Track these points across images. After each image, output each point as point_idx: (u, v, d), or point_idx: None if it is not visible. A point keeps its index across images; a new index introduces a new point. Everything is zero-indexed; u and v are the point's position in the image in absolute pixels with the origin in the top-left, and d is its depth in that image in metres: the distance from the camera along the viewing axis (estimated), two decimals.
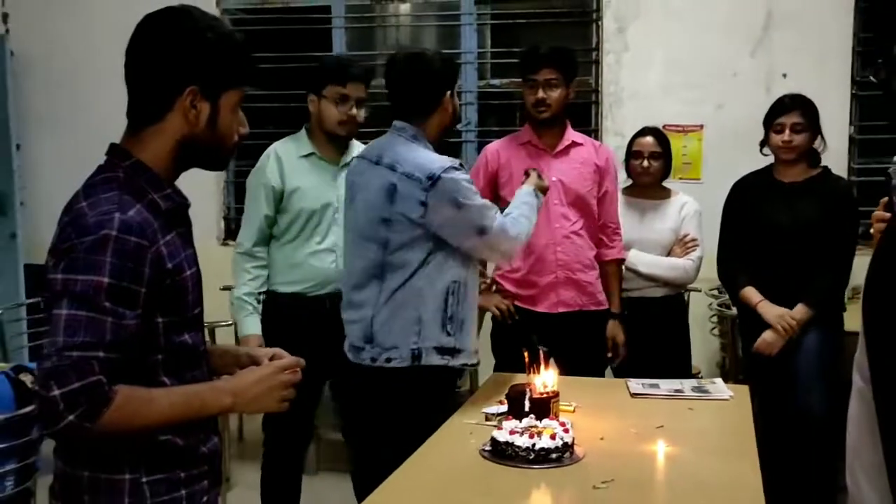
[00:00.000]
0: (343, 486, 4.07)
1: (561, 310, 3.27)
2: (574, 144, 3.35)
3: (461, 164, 2.60)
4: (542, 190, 2.83)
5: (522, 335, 2.91)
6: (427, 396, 2.60)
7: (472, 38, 5.04)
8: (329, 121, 3.03)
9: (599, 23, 4.78)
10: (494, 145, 3.42)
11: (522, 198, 2.76)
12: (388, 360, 2.58)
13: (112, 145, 1.56)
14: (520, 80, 3.35)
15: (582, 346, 3.27)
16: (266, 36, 5.05)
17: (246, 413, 1.58)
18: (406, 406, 2.59)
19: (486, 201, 2.63)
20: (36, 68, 5.12)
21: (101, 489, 1.49)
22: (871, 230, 2.03)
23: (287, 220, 3.06)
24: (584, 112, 4.97)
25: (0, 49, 4.96)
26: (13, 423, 2.41)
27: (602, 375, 3.46)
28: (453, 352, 2.60)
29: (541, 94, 3.22)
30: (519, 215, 2.69)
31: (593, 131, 4.86)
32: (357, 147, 3.12)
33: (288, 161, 3.04)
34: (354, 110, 3.02)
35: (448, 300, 2.58)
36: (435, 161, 2.53)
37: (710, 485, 1.99)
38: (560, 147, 3.32)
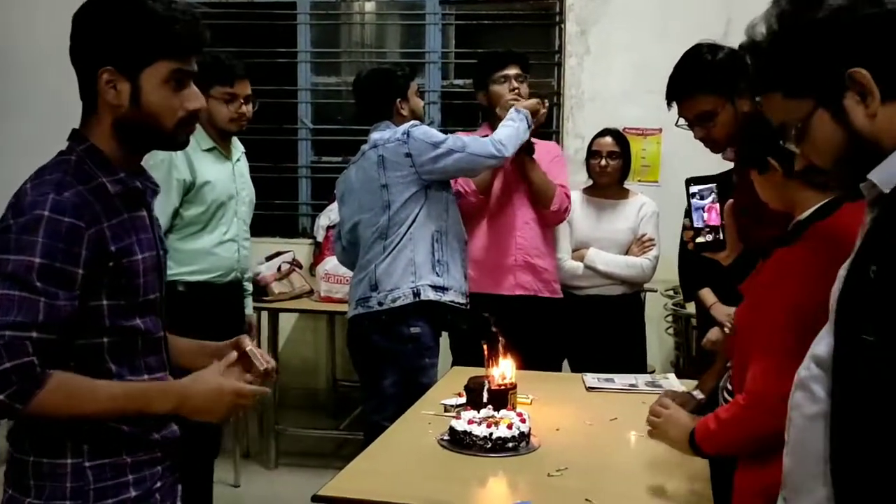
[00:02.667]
0: (300, 479, 4.10)
1: (518, 292, 3.44)
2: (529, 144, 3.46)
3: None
4: (533, 113, 3.20)
5: (479, 329, 2.98)
6: (424, 345, 3.04)
7: (437, 38, 5.08)
8: (220, 120, 3.08)
9: (562, 26, 4.85)
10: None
11: (508, 116, 3.18)
12: (394, 300, 3.02)
13: (73, 130, 1.55)
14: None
15: (536, 331, 3.42)
16: (230, 31, 5.04)
17: (189, 418, 1.55)
18: (407, 352, 3.02)
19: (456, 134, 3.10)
20: (2, 63, 5.06)
21: (44, 474, 1.47)
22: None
23: (196, 212, 3.05)
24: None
25: None
26: None
27: (557, 361, 3.56)
28: (444, 289, 3.04)
29: (514, 84, 3.38)
30: (500, 127, 3.12)
31: (554, 133, 4.93)
32: (238, 143, 3.27)
33: (194, 154, 3.02)
34: (244, 107, 3.10)
35: (434, 246, 3.05)
36: (404, 125, 3.06)
37: (660, 472, 2.04)
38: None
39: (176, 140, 1.57)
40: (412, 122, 3.10)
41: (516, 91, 3.36)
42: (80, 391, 1.44)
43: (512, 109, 3.19)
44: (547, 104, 3.36)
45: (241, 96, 3.08)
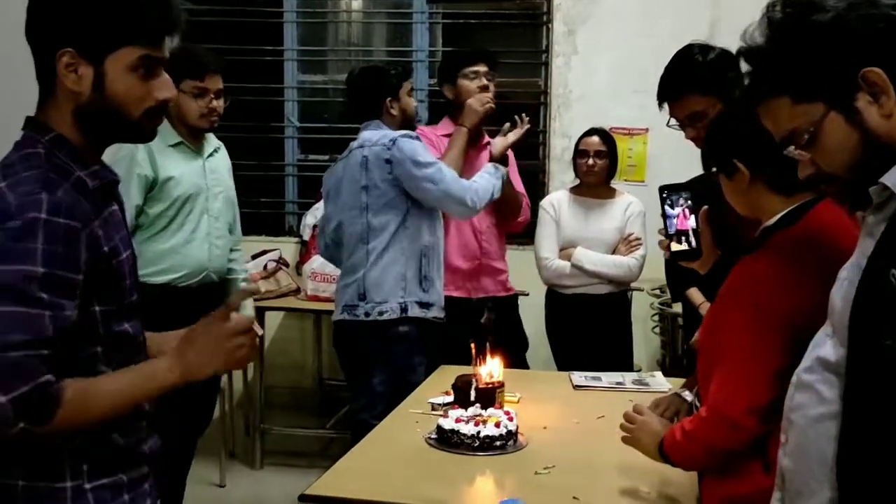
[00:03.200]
0: (286, 479, 4.09)
1: (480, 295, 3.50)
2: (488, 143, 3.50)
3: (418, 137, 3.04)
4: (501, 162, 3.23)
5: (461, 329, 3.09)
6: (413, 344, 3.04)
7: (424, 36, 5.08)
8: (190, 115, 2.97)
9: (549, 25, 4.86)
10: (432, 131, 3.51)
11: (485, 169, 3.18)
12: (381, 312, 3.00)
13: (28, 118, 1.41)
14: None
15: (511, 330, 3.56)
16: (216, 28, 5.01)
17: (198, 378, 1.41)
18: (397, 351, 3.02)
19: (443, 163, 3.02)
20: None
21: (40, 498, 1.35)
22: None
23: (159, 210, 2.95)
24: (532, 113, 5.02)
25: None
26: None
27: (522, 356, 3.59)
28: (428, 305, 3.06)
29: (485, 81, 3.39)
30: (477, 177, 3.13)
31: (541, 132, 4.94)
32: (213, 138, 3.16)
33: (157, 150, 2.90)
34: (214, 102, 2.99)
35: (422, 261, 3.05)
36: (395, 132, 3.03)
37: (648, 470, 2.04)
38: (482, 142, 3.52)
39: (143, 131, 1.44)
40: (404, 131, 3.05)
41: (486, 88, 3.36)
42: (92, 395, 1.34)
43: (489, 165, 3.19)
44: (527, 120, 3.37)
45: (211, 91, 2.97)
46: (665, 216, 1.98)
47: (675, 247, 1.98)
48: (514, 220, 3.57)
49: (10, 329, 1.23)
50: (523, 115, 3.37)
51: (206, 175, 3.06)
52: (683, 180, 3.56)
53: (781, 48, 1.23)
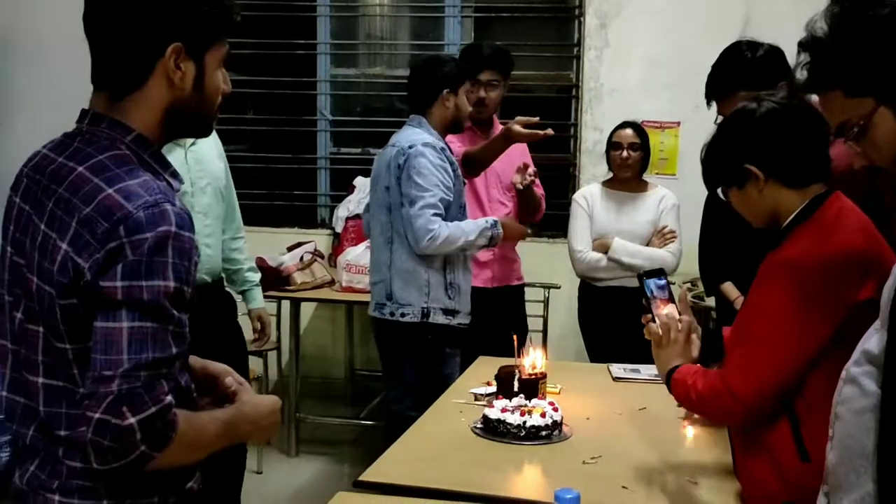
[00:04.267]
0: (320, 466, 4.16)
1: (495, 284, 3.58)
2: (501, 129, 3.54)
3: (444, 149, 3.02)
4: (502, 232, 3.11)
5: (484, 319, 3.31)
6: (432, 349, 3.07)
7: (456, 30, 5.11)
8: None
9: (581, 19, 4.88)
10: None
11: (482, 220, 3.12)
12: (403, 314, 3.06)
13: (94, 113, 1.33)
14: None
15: (509, 316, 3.63)
16: (250, 23, 5.07)
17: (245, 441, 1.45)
18: (415, 354, 3.08)
19: (436, 193, 2.95)
20: (19, 45, 5.09)
21: None
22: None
23: None
24: (563, 107, 5.07)
25: None
26: None
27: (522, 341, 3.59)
28: (454, 312, 3.09)
29: (482, 93, 3.43)
30: (457, 225, 3.02)
31: (572, 125, 4.97)
32: None
33: None
34: None
35: (447, 269, 3.06)
36: (422, 138, 3.01)
37: (692, 460, 2.09)
38: (494, 130, 3.57)
39: (212, 127, 1.44)
40: (427, 140, 3.00)
41: (482, 101, 3.42)
42: (198, 428, 1.29)
43: (492, 220, 3.10)
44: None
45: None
46: (647, 300, 1.94)
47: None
48: (534, 219, 3.74)
49: (142, 348, 1.20)
50: (549, 130, 3.35)
51: (189, 169, 2.76)
52: None
53: (837, 41, 1.25)
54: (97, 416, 1.18)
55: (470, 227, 3.04)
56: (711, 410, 1.76)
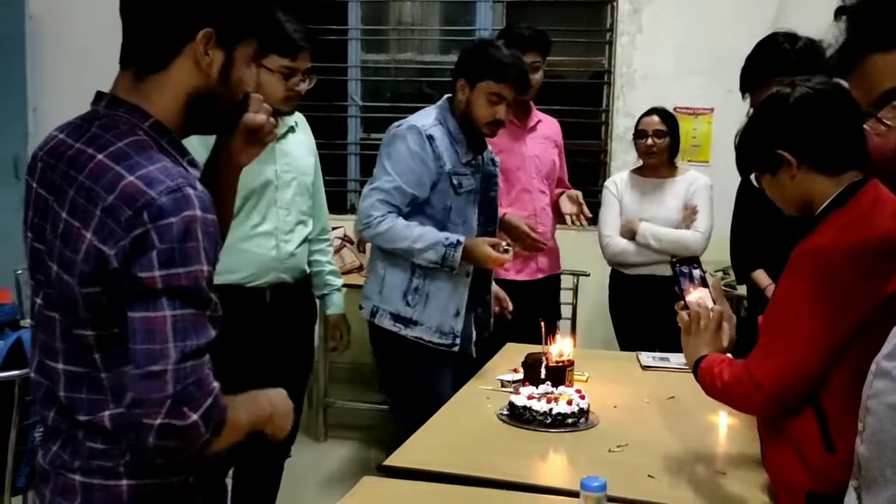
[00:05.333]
0: (349, 451, 4.18)
1: (539, 276, 3.54)
2: (538, 122, 3.53)
3: (431, 137, 2.65)
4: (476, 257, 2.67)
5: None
6: (382, 353, 2.84)
7: (487, 15, 5.08)
8: (274, 97, 2.48)
9: (614, 4, 4.83)
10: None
11: (439, 235, 2.64)
12: (361, 307, 2.81)
13: (112, 96, 1.32)
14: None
15: (551, 305, 3.63)
16: (280, 8, 5.06)
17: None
18: (385, 358, 2.86)
19: (397, 182, 2.62)
20: (54, 31, 5.14)
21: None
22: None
23: None
24: (595, 92, 5.03)
25: (18, 12, 4.97)
26: None
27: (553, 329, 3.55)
28: (409, 322, 2.68)
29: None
30: (408, 225, 2.63)
31: (604, 111, 4.92)
32: (291, 118, 2.74)
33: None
34: (301, 84, 2.59)
35: (416, 271, 2.68)
36: (418, 120, 2.69)
37: (721, 452, 2.07)
38: (531, 123, 3.51)
39: (235, 125, 1.44)
40: (414, 123, 2.67)
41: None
42: (237, 411, 1.32)
43: (455, 239, 2.63)
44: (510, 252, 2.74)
45: (300, 70, 2.54)
46: (679, 288, 1.93)
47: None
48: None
49: (186, 335, 1.20)
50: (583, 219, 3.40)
51: (276, 160, 2.64)
52: None
53: (872, 2, 1.22)
54: (159, 422, 1.19)
55: (421, 235, 2.63)
56: (735, 399, 1.74)
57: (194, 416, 1.20)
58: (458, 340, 2.73)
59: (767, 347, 1.66)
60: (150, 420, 1.19)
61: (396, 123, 2.74)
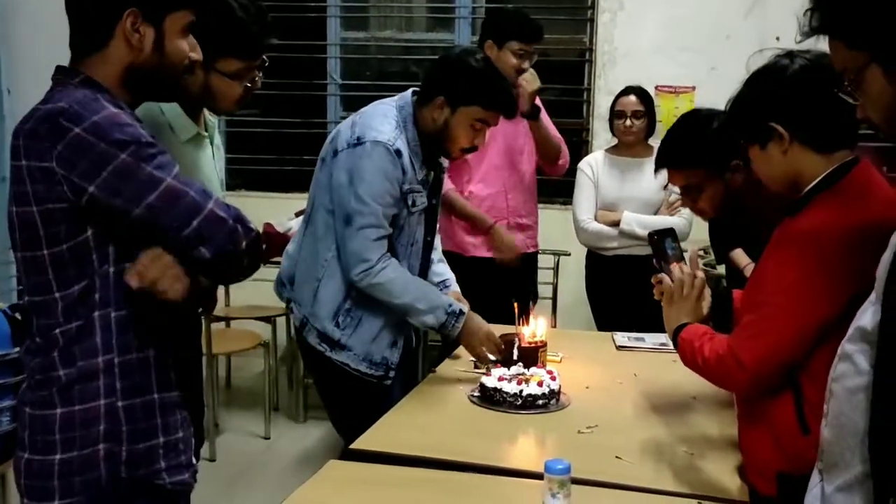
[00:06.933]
0: (329, 432, 4.15)
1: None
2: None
3: (399, 152, 2.31)
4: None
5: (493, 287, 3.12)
6: (311, 369, 2.65)
7: None
8: (226, 100, 1.97)
9: None
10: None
11: (442, 300, 2.41)
12: (291, 308, 2.51)
13: (64, 68, 1.50)
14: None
15: (527, 284, 3.59)
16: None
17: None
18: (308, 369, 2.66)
19: (378, 210, 2.29)
20: (27, 13, 5.06)
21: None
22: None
23: None
24: (577, 70, 4.98)
25: None
26: (10, 360, 2.43)
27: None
28: (336, 346, 2.39)
29: (525, 65, 3.30)
30: (413, 280, 2.40)
31: (586, 90, 4.88)
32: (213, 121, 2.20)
33: (175, 152, 1.80)
34: (257, 79, 2.00)
35: (351, 292, 2.37)
36: (380, 130, 2.30)
37: (691, 433, 2.05)
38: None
39: (177, 91, 1.59)
40: (385, 138, 2.29)
41: (522, 71, 3.23)
42: None
43: (453, 306, 2.40)
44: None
45: (256, 66, 1.97)
46: (657, 260, 1.92)
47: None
48: (553, 163, 3.57)
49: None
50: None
51: (216, 165, 2.20)
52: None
53: None
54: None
55: (424, 294, 2.38)
56: (716, 377, 1.73)
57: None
58: (391, 374, 2.44)
59: (751, 328, 1.64)
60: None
61: (352, 133, 2.34)
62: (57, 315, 1.46)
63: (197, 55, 1.54)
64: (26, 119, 1.42)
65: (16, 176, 1.42)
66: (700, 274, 1.86)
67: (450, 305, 2.39)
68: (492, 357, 2.42)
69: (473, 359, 2.53)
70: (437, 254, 2.69)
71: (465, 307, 2.43)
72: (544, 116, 3.54)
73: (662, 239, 1.94)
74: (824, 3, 1.24)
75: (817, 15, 1.26)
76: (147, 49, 1.46)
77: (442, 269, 2.68)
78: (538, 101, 3.45)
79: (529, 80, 3.32)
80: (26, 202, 1.41)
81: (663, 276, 1.88)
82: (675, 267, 1.87)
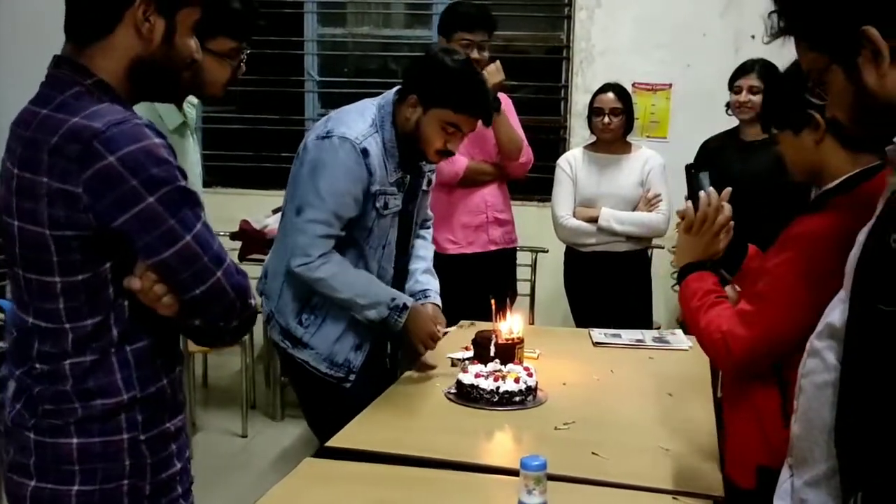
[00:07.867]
0: (306, 430, 4.12)
1: (492, 248, 3.55)
2: None
3: (366, 152, 2.26)
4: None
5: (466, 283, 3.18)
6: (281, 364, 2.65)
7: None
8: (216, 84, 2.02)
9: None
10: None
11: (385, 293, 2.36)
12: (262, 293, 2.48)
13: (61, 58, 1.38)
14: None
15: (505, 280, 3.59)
16: None
17: None
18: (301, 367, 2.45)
19: (332, 208, 2.25)
20: (7, 9, 5.00)
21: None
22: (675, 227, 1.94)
23: None
24: (554, 68, 4.99)
25: None
26: None
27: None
28: (298, 344, 2.38)
29: (475, 55, 3.21)
30: (355, 273, 2.35)
31: (563, 87, 4.89)
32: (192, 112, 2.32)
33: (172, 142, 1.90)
34: (242, 64, 2.07)
35: (314, 296, 2.36)
36: (351, 127, 2.27)
37: (667, 427, 2.06)
38: None
39: (181, 94, 1.54)
40: (354, 134, 2.25)
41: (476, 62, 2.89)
42: None
43: (396, 300, 2.35)
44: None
45: (244, 50, 2.06)
46: (690, 195, 1.89)
47: None
48: (514, 160, 3.53)
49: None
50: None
51: (197, 153, 2.36)
52: (705, 137, 3.57)
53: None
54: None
55: (366, 289, 2.34)
56: (705, 349, 1.76)
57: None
58: (352, 377, 2.39)
59: (747, 317, 1.67)
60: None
61: (325, 126, 2.32)
62: (65, 345, 1.37)
63: (199, 56, 1.46)
64: (39, 127, 1.31)
65: (23, 188, 1.31)
66: (727, 209, 1.84)
67: (393, 300, 2.34)
68: (428, 354, 2.44)
69: (451, 355, 2.52)
70: (423, 263, 2.63)
71: (409, 301, 2.38)
72: (509, 112, 3.53)
73: (697, 174, 1.91)
74: (785, 5, 1.24)
75: (790, 19, 1.26)
76: (156, 41, 1.36)
77: (425, 279, 2.60)
78: (501, 96, 3.44)
79: (493, 73, 3.30)
80: (38, 222, 1.31)
81: (689, 204, 1.87)
82: (703, 196, 1.85)
